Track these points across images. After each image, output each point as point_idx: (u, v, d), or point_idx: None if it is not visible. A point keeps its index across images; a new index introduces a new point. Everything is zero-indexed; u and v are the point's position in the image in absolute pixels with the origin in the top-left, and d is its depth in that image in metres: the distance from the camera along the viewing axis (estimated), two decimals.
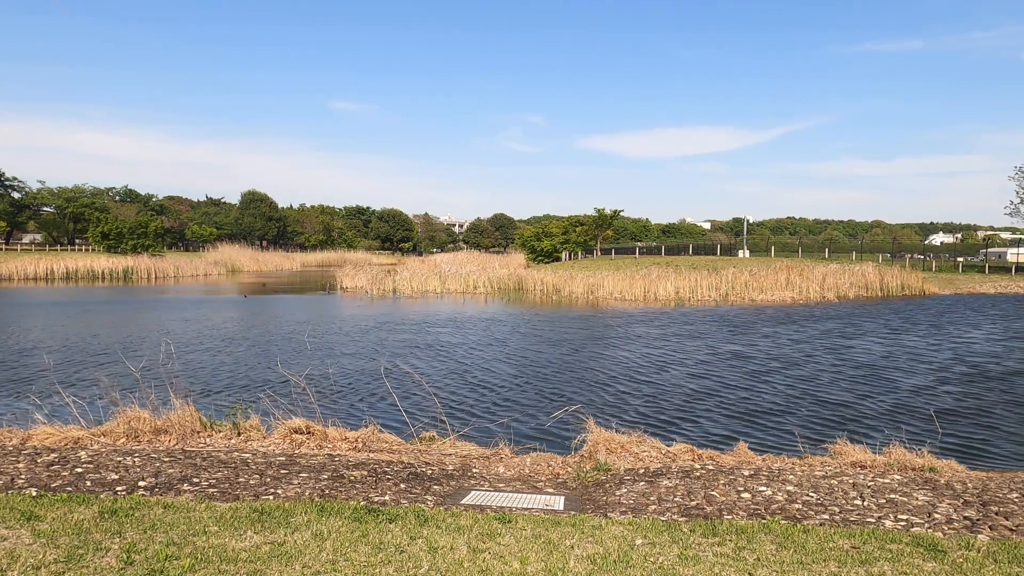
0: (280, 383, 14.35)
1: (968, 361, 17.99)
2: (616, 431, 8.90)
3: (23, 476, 6.64)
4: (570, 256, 64.68)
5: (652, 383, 15.23)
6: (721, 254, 60.80)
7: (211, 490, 6.37)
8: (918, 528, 5.51)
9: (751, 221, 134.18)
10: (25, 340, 21.45)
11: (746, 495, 6.41)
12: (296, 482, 6.73)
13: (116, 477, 6.67)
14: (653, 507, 6.18)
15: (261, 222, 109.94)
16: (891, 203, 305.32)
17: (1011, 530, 5.47)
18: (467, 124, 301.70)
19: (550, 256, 65.22)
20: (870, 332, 24.02)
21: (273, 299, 41.18)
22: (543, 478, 7.50)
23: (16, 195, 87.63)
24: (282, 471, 7.12)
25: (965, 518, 5.75)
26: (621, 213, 75.08)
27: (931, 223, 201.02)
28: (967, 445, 10.42)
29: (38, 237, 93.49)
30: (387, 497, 6.38)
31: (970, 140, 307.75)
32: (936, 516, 5.80)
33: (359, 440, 8.71)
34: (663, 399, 13.67)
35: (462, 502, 6.31)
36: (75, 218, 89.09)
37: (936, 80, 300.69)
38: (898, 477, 7.00)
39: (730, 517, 5.80)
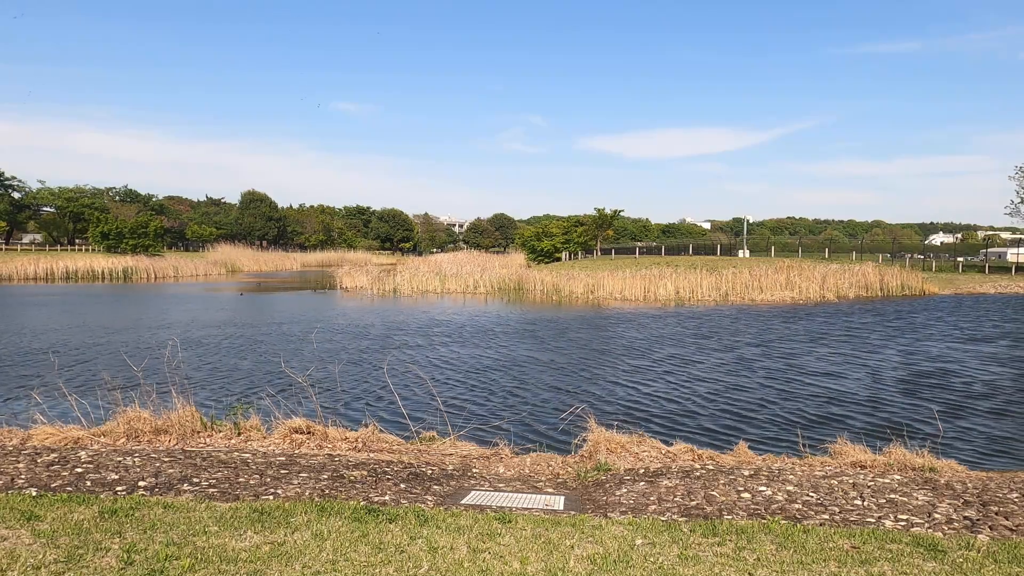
0: (280, 382, 14.35)
1: (972, 362, 18.00)
2: (616, 431, 8.89)
3: (23, 476, 6.64)
4: (570, 256, 64.64)
5: (652, 383, 15.23)
6: (721, 254, 60.75)
7: (211, 490, 6.37)
8: (918, 528, 5.51)
9: (751, 221, 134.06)
10: (24, 339, 21.45)
11: (746, 495, 6.41)
12: (296, 482, 6.73)
13: (116, 477, 6.67)
14: (653, 507, 6.18)
15: (261, 222, 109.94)
16: (891, 203, 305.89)
17: (1011, 530, 5.46)
18: (467, 124, 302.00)
19: (550, 256, 65.16)
20: (873, 333, 24.03)
21: (270, 298, 41.17)
22: (543, 478, 7.50)
23: (16, 195, 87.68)
24: (282, 471, 7.11)
25: (965, 518, 5.74)
26: (621, 213, 75.07)
27: (931, 223, 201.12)
28: (969, 440, 10.43)
29: (38, 237, 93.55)
30: (387, 497, 6.37)
31: (970, 140, 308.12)
32: (936, 516, 5.80)
33: (359, 440, 8.70)
34: (663, 399, 13.67)
35: (462, 502, 6.30)
36: (75, 218, 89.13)
37: (936, 80, 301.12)
38: (898, 477, 7.00)
39: (730, 517, 5.80)
